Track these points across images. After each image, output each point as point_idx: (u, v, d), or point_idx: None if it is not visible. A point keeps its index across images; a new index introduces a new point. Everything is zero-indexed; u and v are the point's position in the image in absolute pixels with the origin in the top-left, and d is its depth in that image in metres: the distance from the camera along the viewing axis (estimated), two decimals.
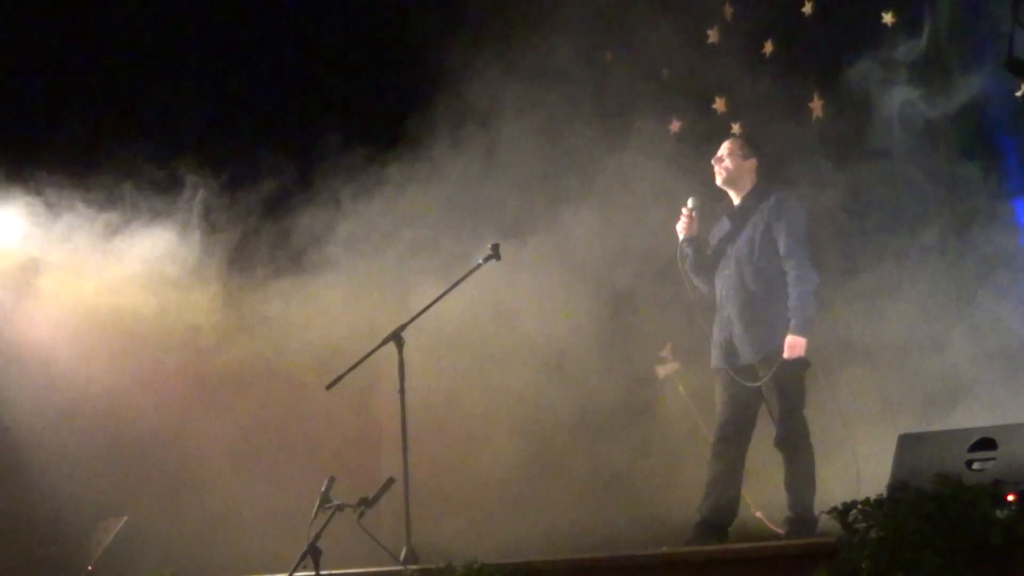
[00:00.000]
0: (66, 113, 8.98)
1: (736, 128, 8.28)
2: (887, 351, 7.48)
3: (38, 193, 8.50)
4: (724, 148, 6.92)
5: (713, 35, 8.76)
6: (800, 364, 6.61)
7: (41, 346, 8.52)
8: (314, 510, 6.08)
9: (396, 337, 6.93)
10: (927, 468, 4.95)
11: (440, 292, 7.10)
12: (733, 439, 6.71)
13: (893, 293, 7.45)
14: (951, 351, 7.21)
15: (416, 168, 8.70)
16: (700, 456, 7.20)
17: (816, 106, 8.11)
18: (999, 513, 4.56)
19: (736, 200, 6.90)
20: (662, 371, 8.43)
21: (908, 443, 5.39)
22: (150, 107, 9.23)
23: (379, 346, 6.97)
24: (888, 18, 7.77)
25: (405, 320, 7.00)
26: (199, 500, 8.43)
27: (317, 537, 5.95)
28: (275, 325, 8.76)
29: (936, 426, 6.08)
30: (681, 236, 6.92)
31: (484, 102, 8.63)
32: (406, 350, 6.91)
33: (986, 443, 5.16)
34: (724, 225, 6.93)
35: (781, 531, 6.65)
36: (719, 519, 6.63)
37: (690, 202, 6.90)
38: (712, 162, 6.92)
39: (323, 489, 6.15)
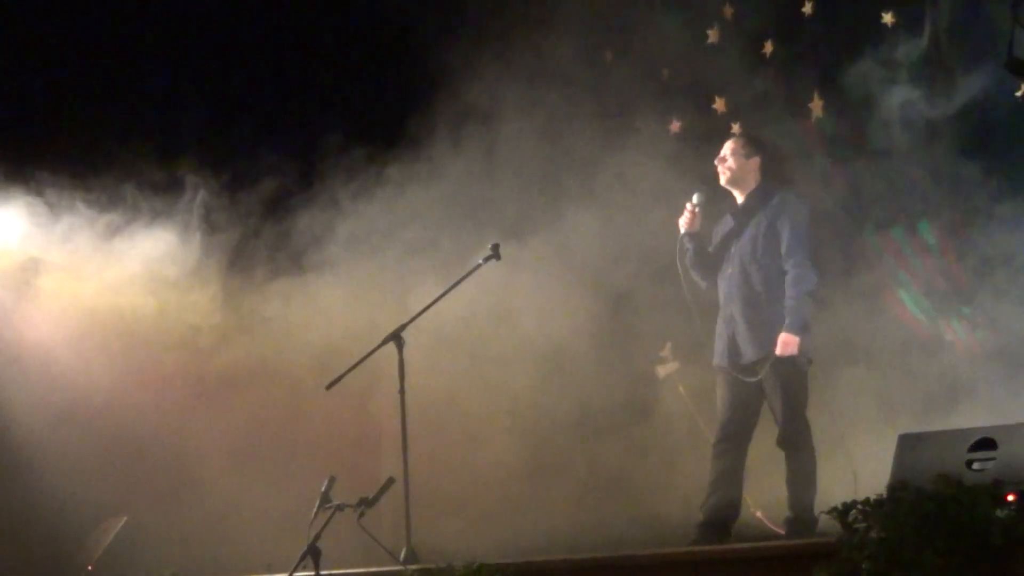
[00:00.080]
0: (67, 113, 8.98)
1: (736, 128, 8.28)
2: (887, 351, 7.48)
3: (39, 193, 8.51)
4: (727, 148, 6.92)
5: (713, 35, 8.75)
6: (801, 363, 6.61)
7: (41, 346, 8.53)
8: (314, 510, 6.08)
9: (396, 337, 6.93)
10: (927, 468, 4.95)
11: (440, 292, 7.10)
12: (734, 438, 6.71)
13: (892, 292, 7.45)
14: (950, 351, 7.20)
15: (416, 168, 8.70)
16: (700, 456, 7.21)
17: (816, 106, 8.11)
18: (999, 513, 4.56)
19: (740, 199, 6.90)
20: (662, 371, 8.43)
21: (908, 443, 5.38)
22: (150, 107, 9.24)
23: (379, 346, 6.97)
24: (888, 18, 7.77)
25: (405, 320, 7.00)
26: (199, 500, 8.43)
27: (317, 537, 5.95)
28: (275, 325, 8.76)
29: (935, 426, 6.07)
30: (683, 230, 6.92)
31: (484, 102, 8.63)
32: (406, 350, 6.91)
33: (986, 443, 5.15)
34: (727, 222, 6.93)
35: (781, 531, 6.65)
36: (722, 518, 6.63)
37: (695, 197, 6.90)
38: (715, 162, 6.92)
39: (323, 489, 6.15)
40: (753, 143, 6.95)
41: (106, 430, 8.46)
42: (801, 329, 6.58)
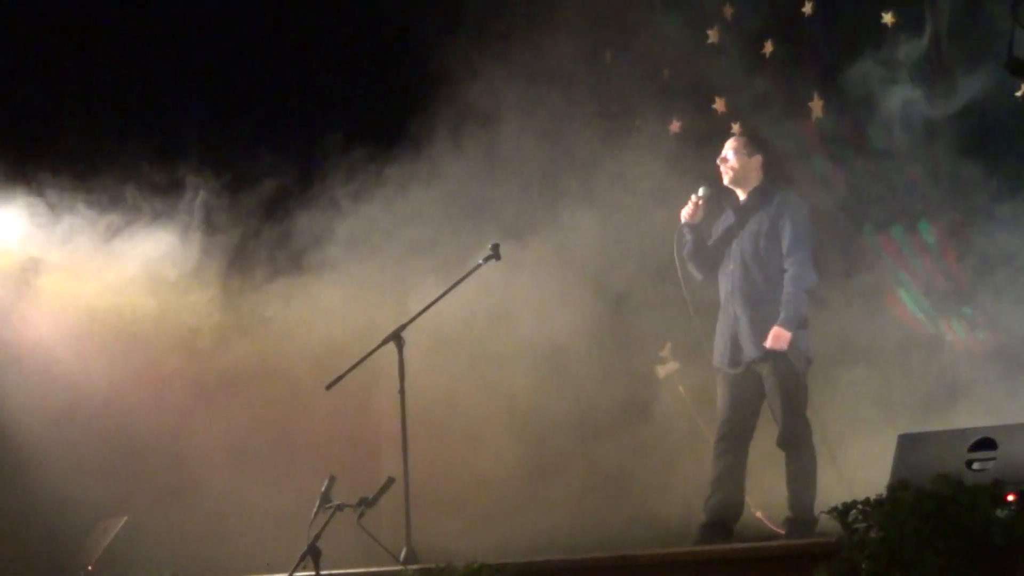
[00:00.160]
0: (67, 114, 8.98)
1: (736, 128, 8.28)
2: (887, 351, 7.48)
3: (39, 194, 8.51)
4: (728, 147, 6.92)
5: (713, 35, 8.75)
6: (801, 362, 6.61)
7: (41, 346, 8.53)
8: (314, 510, 6.08)
9: (396, 337, 6.93)
10: (927, 468, 4.95)
11: (440, 292, 7.10)
12: (735, 438, 6.71)
13: (892, 293, 7.45)
14: (950, 351, 7.20)
15: (416, 168, 8.70)
16: (699, 456, 7.21)
17: (816, 106, 8.11)
18: (999, 513, 4.56)
19: (742, 197, 6.91)
20: (662, 371, 8.43)
21: (908, 443, 5.38)
22: (151, 108, 9.24)
23: (379, 346, 6.97)
24: (888, 18, 7.77)
25: (405, 320, 7.00)
26: (199, 500, 8.43)
27: (317, 537, 5.95)
28: (275, 325, 8.76)
29: (935, 426, 6.08)
30: (684, 219, 6.92)
31: (484, 102, 8.63)
32: (406, 350, 6.91)
33: (986, 443, 5.15)
34: (728, 218, 6.93)
35: (781, 531, 6.65)
36: (724, 518, 6.64)
37: (701, 190, 6.90)
38: (718, 163, 6.92)
39: (323, 489, 6.15)
40: (754, 142, 6.96)
41: (106, 430, 8.46)
42: (795, 325, 6.58)
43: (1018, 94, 7.11)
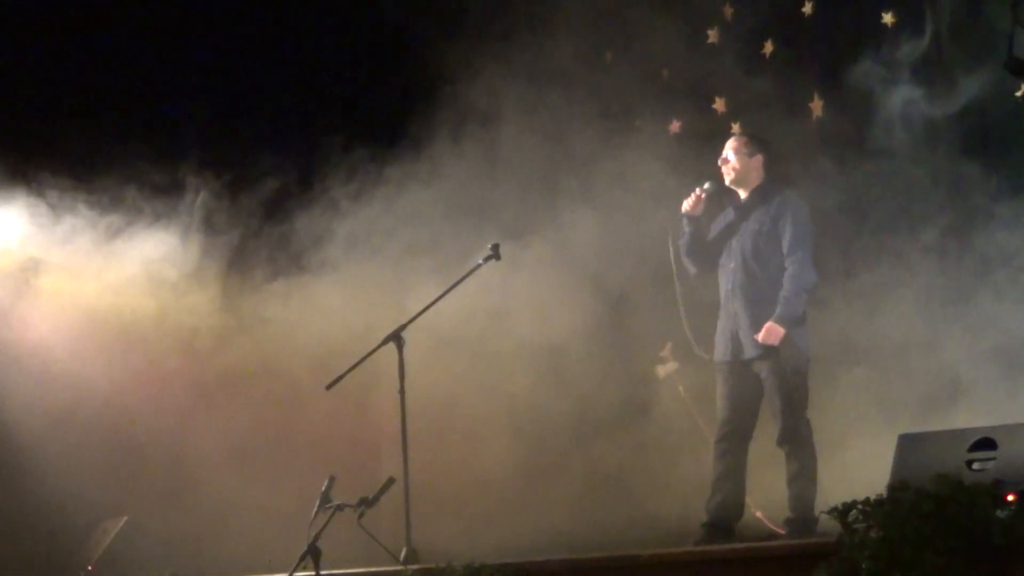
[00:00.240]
0: (68, 115, 8.98)
1: (736, 128, 8.28)
2: (886, 351, 7.47)
3: (40, 194, 8.51)
4: (729, 148, 6.92)
5: (713, 35, 8.75)
6: (801, 361, 6.61)
7: (41, 347, 8.53)
8: (314, 510, 6.08)
9: (396, 337, 6.93)
10: (927, 468, 4.95)
11: (440, 292, 7.10)
12: (735, 437, 6.71)
13: (892, 292, 7.45)
14: (950, 351, 7.20)
15: (416, 168, 8.70)
16: (699, 456, 7.21)
17: (816, 106, 8.11)
18: (999, 513, 4.56)
19: (743, 196, 6.91)
20: (662, 371, 8.43)
21: (908, 443, 5.38)
22: (152, 109, 9.24)
23: (379, 346, 6.97)
24: (888, 18, 7.77)
25: (405, 320, 7.00)
26: (199, 500, 8.44)
27: (317, 537, 5.95)
28: (275, 326, 8.76)
29: (934, 426, 6.08)
30: (684, 210, 6.92)
31: (484, 102, 8.63)
32: (405, 350, 6.91)
33: (986, 443, 5.15)
34: (728, 215, 6.94)
35: (781, 531, 6.65)
36: (726, 517, 6.65)
37: (707, 184, 6.90)
38: (719, 163, 6.92)
39: (323, 489, 6.15)
40: (755, 141, 6.96)
41: (106, 430, 8.47)
42: (789, 322, 6.59)
43: (1018, 94, 7.11)
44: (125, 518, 7.81)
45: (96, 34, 9.24)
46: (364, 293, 8.54)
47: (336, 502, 6.08)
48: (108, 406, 8.51)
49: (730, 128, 8.33)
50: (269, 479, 8.42)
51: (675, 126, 8.80)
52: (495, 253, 7.09)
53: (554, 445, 8.50)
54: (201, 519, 8.29)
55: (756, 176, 6.89)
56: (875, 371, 7.49)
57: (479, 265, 7.10)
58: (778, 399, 6.60)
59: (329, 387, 7.06)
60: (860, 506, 4.67)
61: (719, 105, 8.66)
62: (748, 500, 6.81)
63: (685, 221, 6.93)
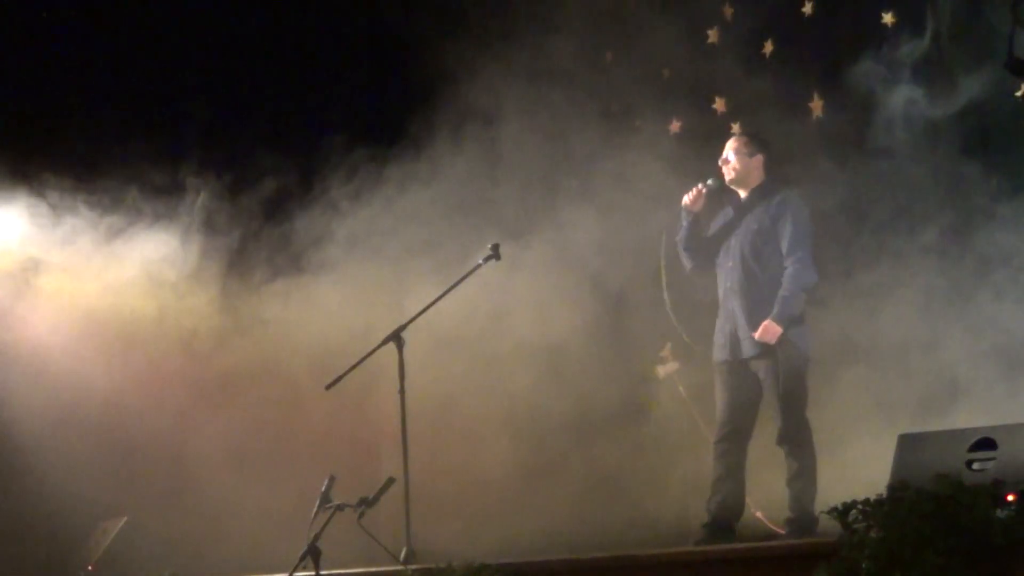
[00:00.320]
0: (69, 116, 8.99)
1: (736, 128, 8.28)
2: (886, 350, 7.48)
3: (40, 195, 8.52)
4: (729, 148, 6.92)
5: (713, 35, 8.76)
6: (800, 361, 6.61)
7: (41, 348, 8.53)
8: (314, 510, 6.08)
9: (396, 337, 6.93)
10: (927, 468, 4.95)
11: (440, 292, 7.09)
12: (735, 437, 6.71)
13: (892, 292, 7.45)
14: (949, 351, 7.20)
15: (416, 168, 8.70)
16: (698, 455, 7.21)
17: (816, 106, 8.11)
18: (999, 513, 4.56)
19: (743, 195, 6.91)
20: (662, 371, 8.43)
21: (908, 443, 5.38)
22: (153, 109, 9.24)
23: (379, 346, 6.97)
24: (888, 18, 7.77)
25: (404, 320, 7.00)
26: (199, 500, 8.44)
27: (317, 537, 5.95)
28: (276, 326, 8.76)
29: (934, 426, 6.08)
30: (684, 204, 6.91)
31: (484, 102, 8.63)
32: (405, 350, 6.91)
33: (986, 443, 5.15)
34: (727, 213, 6.94)
35: (781, 531, 6.65)
36: (727, 517, 6.65)
37: (710, 181, 6.90)
38: (719, 163, 6.93)
39: (323, 489, 6.15)
40: (755, 141, 6.96)
41: (107, 431, 8.48)
42: (786, 321, 6.58)
43: (1018, 94, 7.11)
44: (125, 518, 7.82)
45: (97, 35, 9.25)
46: (364, 293, 8.54)
47: (336, 502, 6.08)
48: (108, 406, 8.52)
49: (730, 128, 8.33)
50: (269, 479, 8.42)
51: (675, 126, 8.80)
52: (495, 253, 7.08)
53: (554, 445, 8.50)
54: (201, 519, 8.29)
55: (756, 176, 6.90)
56: (875, 371, 7.49)
57: (479, 265, 7.10)
58: (777, 399, 6.60)
59: (329, 387, 7.05)
60: (860, 506, 4.67)
61: (719, 105, 8.66)
62: (748, 500, 6.81)
63: (684, 215, 6.93)
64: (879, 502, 4.65)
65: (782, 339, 6.57)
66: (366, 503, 6.06)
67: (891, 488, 4.78)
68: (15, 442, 8.42)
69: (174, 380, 8.71)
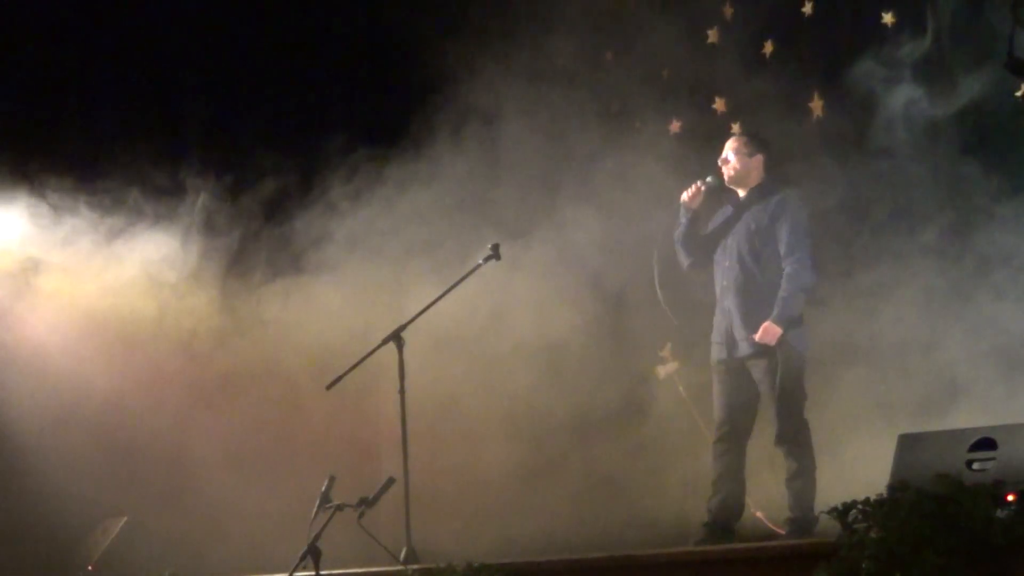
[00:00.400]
0: (70, 116, 8.99)
1: (736, 128, 8.28)
2: (886, 351, 7.47)
3: (41, 195, 8.52)
4: (729, 148, 6.92)
5: (713, 35, 8.75)
6: (797, 362, 6.60)
7: (41, 348, 8.53)
8: (314, 510, 6.08)
9: (396, 337, 6.93)
10: (927, 468, 4.95)
11: (440, 292, 7.10)
12: (733, 437, 6.71)
13: (892, 292, 7.45)
14: (949, 351, 7.20)
15: (416, 168, 8.70)
16: (698, 456, 7.21)
17: (816, 106, 8.11)
18: (999, 513, 4.56)
19: (742, 195, 6.91)
20: (662, 371, 8.43)
21: (908, 443, 5.39)
22: (153, 110, 9.24)
23: (379, 346, 6.97)
24: (888, 18, 7.77)
25: (404, 320, 7.00)
26: (199, 501, 8.44)
27: (317, 537, 5.95)
28: (276, 327, 8.76)
29: (934, 426, 6.08)
30: (682, 201, 6.91)
31: (484, 102, 8.63)
32: (405, 350, 6.91)
33: (986, 443, 5.16)
34: (726, 211, 6.94)
35: (781, 531, 6.65)
36: (727, 517, 6.64)
37: (709, 179, 6.89)
38: (719, 163, 6.92)
39: (323, 489, 6.15)
40: (755, 141, 6.96)
41: (107, 431, 8.48)
42: (786, 322, 6.57)
43: (1018, 94, 7.10)
44: (125, 518, 7.82)
45: (98, 35, 9.25)
46: (364, 293, 8.54)
47: (336, 502, 6.08)
48: (108, 406, 8.52)
49: (730, 128, 8.33)
50: (269, 479, 8.43)
51: (675, 126, 8.80)
52: (495, 253, 7.09)
53: (554, 445, 8.50)
54: (201, 519, 8.29)
55: (756, 176, 6.89)
56: (874, 371, 7.49)
57: (479, 265, 7.11)
58: (775, 400, 6.59)
59: (329, 387, 7.06)
60: (860, 506, 4.67)
61: (719, 105, 8.66)
62: (748, 500, 6.80)
63: (683, 212, 6.93)
64: (879, 502, 4.66)
65: (780, 340, 6.57)
66: (366, 503, 6.06)
67: (891, 488, 4.79)
68: (15, 442, 8.42)
69: (174, 380, 8.71)
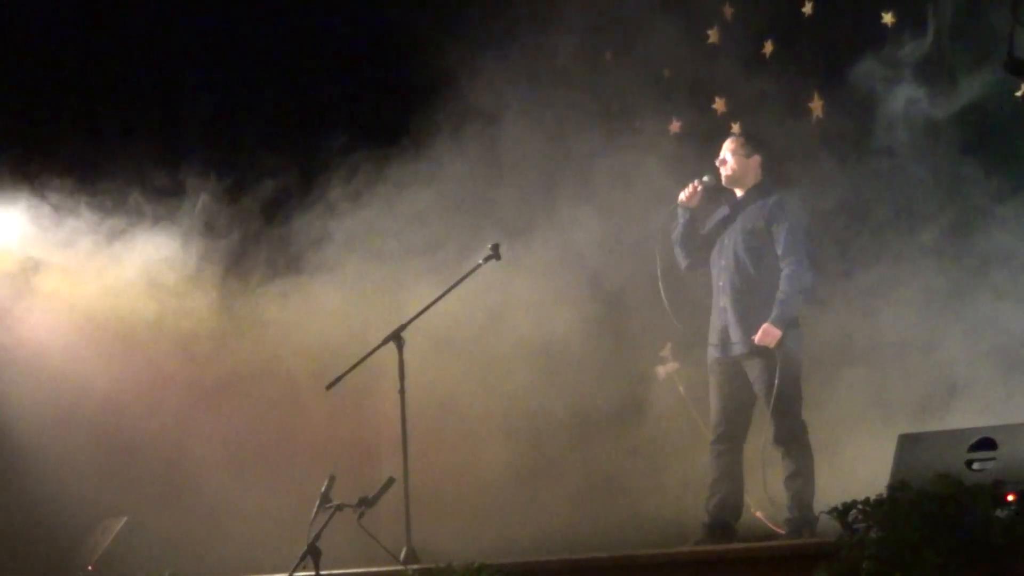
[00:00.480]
0: (72, 117, 8.99)
1: (736, 128, 8.28)
2: (885, 351, 7.47)
3: (42, 196, 8.52)
4: (726, 148, 6.92)
5: (713, 35, 8.75)
6: (794, 362, 6.59)
7: (41, 348, 8.53)
8: (314, 510, 6.08)
9: (396, 337, 6.93)
10: (927, 468, 4.95)
11: (440, 292, 7.09)
12: (731, 438, 6.71)
13: (892, 292, 7.45)
14: (949, 351, 7.20)
15: (416, 168, 8.70)
16: (698, 456, 7.20)
17: (816, 106, 8.11)
18: (999, 513, 4.56)
19: (739, 195, 6.91)
20: (662, 371, 8.41)
21: (908, 443, 5.39)
22: (154, 111, 9.25)
23: (379, 346, 6.97)
24: (888, 18, 7.77)
25: (404, 320, 7.00)
26: (199, 501, 8.44)
27: (317, 537, 5.95)
28: (274, 327, 8.76)
29: (933, 426, 6.08)
30: (680, 200, 6.91)
31: (484, 102, 8.62)
32: (405, 350, 6.91)
33: (986, 443, 5.16)
34: (723, 210, 6.93)
35: (781, 531, 6.65)
36: (726, 517, 6.64)
37: (706, 177, 6.89)
38: (716, 164, 6.92)
39: (323, 489, 6.15)
40: (752, 142, 6.95)
41: (107, 431, 8.48)
42: (785, 324, 6.57)
43: (1018, 94, 7.11)
44: (125, 518, 7.82)
45: (99, 36, 9.25)
46: (364, 293, 8.54)
47: (336, 502, 6.08)
48: (108, 406, 8.52)
49: (730, 128, 8.33)
50: (269, 479, 8.43)
51: (675, 126, 8.80)
52: (495, 253, 7.09)
53: (553, 445, 8.50)
54: (201, 519, 8.29)
55: (753, 176, 6.89)
56: (874, 371, 7.48)
57: (479, 265, 7.11)
58: (771, 400, 6.58)
59: (329, 387, 7.06)
60: (860, 506, 4.68)
61: (719, 105, 8.66)
62: (748, 500, 6.80)
63: (680, 212, 6.93)
64: (879, 502, 4.66)
65: (777, 341, 6.57)
66: (366, 503, 6.06)
67: (891, 488, 4.79)
68: (15, 442, 8.42)
69: (174, 380, 8.71)
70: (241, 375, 8.64)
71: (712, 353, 6.83)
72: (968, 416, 6.39)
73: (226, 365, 8.66)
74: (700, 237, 6.94)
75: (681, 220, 6.93)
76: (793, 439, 6.57)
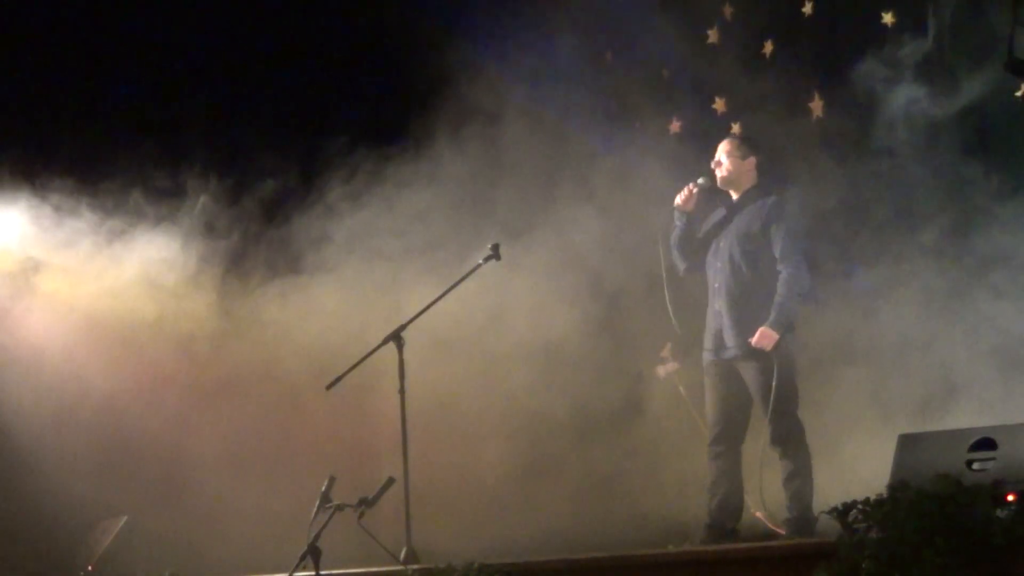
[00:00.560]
0: (72, 118, 9.00)
1: (736, 128, 8.28)
2: (885, 350, 7.48)
3: (43, 196, 8.52)
4: (721, 150, 6.91)
5: (713, 35, 8.76)
6: (789, 363, 6.58)
7: (41, 349, 8.54)
8: (314, 510, 6.08)
9: (396, 337, 6.93)
10: (927, 468, 4.95)
11: (440, 292, 7.10)
12: (728, 439, 6.70)
13: (891, 292, 7.45)
14: (948, 351, 7.21)
15: (416, 168, 8.71)
16: (697, 456, 7.20)
17: (816, 106, 8.12)
18: (999, 513, 4.56)
19: (735, 197, 6.90)
20: (662, 371, 8.42)
21: (908, 443, 5.39)
22: (155, 111, 9.25)
23: (379, 346, 6.97)
24: (888, 18, 7.77)
25: (404, 320, 7.00)
26: (198, 501, 8.44)
27: (317, 537, 5.95)
28: (274, 328, 8.76)
29: (933, 425, 6.08)
30: (676, 204, 6.91)
31: (485, 102, 8.63)
32: (405, 350, 6.91)
33: (986, 443, 5.16)
34: (719, 213, 6.92)
35: (781, 531, 6.65)
36: (727, 518, 6.64)
37: (700, 180, 6.88)
38: (712, 166, 6.91)
39: (323, 489, 6.15)
40: (748, 144, 6.93)
41: (106, 431, 8.48)
42: (784, 327, 6.55)
43: (1018, 94, 7.11)
44: (124, 518, 7.81)
45: (100, 37, 9.25)
46: (363, 294, 8.54)
47: (336, 502, 6.08)
48: (108, 407, 8.52)
49: (730, 128, 8.33)
50: (269, 479, 8.43)
51: (675, 126, 8.80)
52: (495, 253, 7.09)
53: (553, 445, 8.50)
54: (200, 519, 8.29)
55: (749, 178, 6.87)
56: (873, 371, 7.49)
57: (479, 265, 7.11)
58: (767, 402, 6.57)
59: (329, 387, 7.06)
60: (860, 506, 4.67)
61: (719, 105, 8.66)
62: (748, 500, 6.80)
63: (677, 216, 6.93)
64: (879, 502, 4.66)
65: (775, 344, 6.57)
66: (366, 503, 6.06)
67: (891, 488, 4.79)
68: (15, 442, 8.42)
69: (174, 381, 8.71)
70: (241, 375, 8.64)
71: (706, 355, 6.83)
72: (968, 416, 6.39)
73: (226, 365, 8.66)
74: (697, 240, 6.94)
75: (678, 224, 6.92)
76: (791, 439, 6.56)
